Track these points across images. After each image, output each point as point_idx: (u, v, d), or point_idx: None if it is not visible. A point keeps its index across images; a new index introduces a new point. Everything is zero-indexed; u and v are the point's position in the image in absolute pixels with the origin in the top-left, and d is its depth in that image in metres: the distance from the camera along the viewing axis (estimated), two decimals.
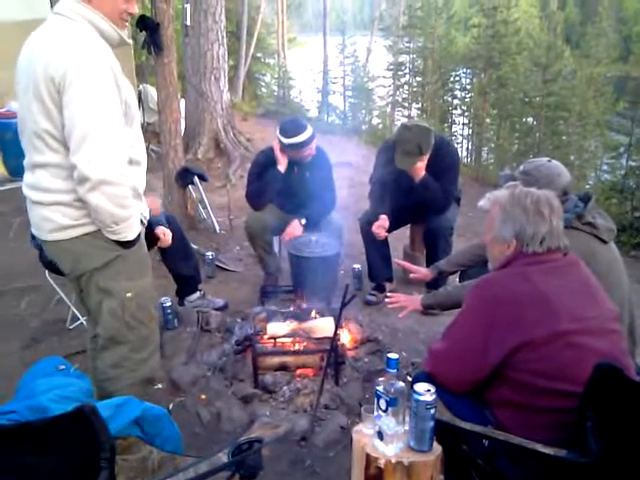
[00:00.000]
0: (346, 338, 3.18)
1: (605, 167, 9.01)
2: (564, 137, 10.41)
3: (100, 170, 1.88)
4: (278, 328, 3.06)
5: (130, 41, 2.14)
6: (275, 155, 3.76)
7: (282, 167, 3.73)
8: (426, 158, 3.60)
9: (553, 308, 1.68)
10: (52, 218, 2.03)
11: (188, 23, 7.25)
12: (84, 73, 1.85)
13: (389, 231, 3.82)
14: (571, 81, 10.45)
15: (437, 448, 1.64)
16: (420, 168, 3.60)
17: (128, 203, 1.99)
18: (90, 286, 2.14)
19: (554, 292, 1.71)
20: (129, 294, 2.13)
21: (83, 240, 2.04)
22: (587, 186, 9.38)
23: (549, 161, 2.47)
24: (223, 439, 2.53)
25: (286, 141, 3.65)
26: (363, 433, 1.70)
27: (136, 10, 2.07)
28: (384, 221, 3.70)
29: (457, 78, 12.37)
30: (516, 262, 1.82)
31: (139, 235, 2.11)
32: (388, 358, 1.64)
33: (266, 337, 3.01)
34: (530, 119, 10.70)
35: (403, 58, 13.16)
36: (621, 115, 9.28)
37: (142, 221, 2.20)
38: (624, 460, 1.47)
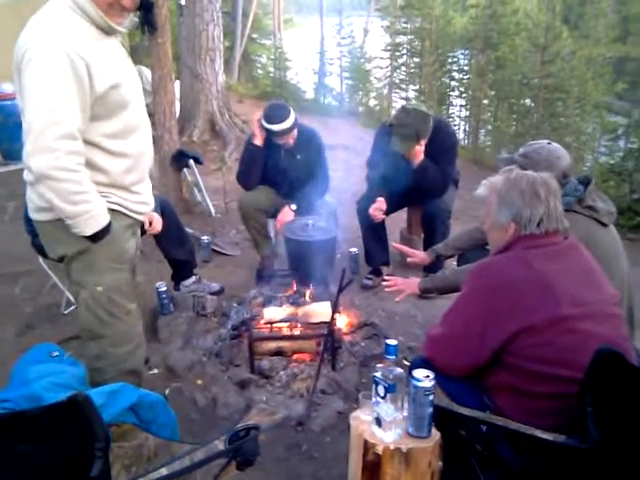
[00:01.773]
0: (343, 322, 3.16)
1: (603, 149, 8.96)
2: (562, 119, 10.33)
3: (40, 164, 1.84)
4: (275, 313, 3.04)
5: (123, 30, 2.05)
6: (252, 130, 3.78)
7: (258, 141, 3.73)
8: (424, 143, 3.56)
9: (553, 293, 1.66)
10: (32, 198, 2.05)
11: (183, 2, 7.13)
12: (38, 57, 1.81)
13: (386, 214, 3.80)
14: (569, 62, 10.34)
15: (435, 434, 1.63)
16: (418, 152, 3.56)
17: (80, 199, 1.91)
18: (70, 277, 2.15)
19: (554, 276, 1.69)
20: (99, 288, 2.09)
21: (56, 225, 2.02)
22: (585, 168, 9.34)
23: (549, 144, 2.43)
24: (219, 424, 2.53)
25: (267, 126, 3.65)
26: (361, 419, 1.69)
27: (130, 3, 1.96)
28: (381, 203, 3.67)
29: (455, 59, 12.24)
30: (515, 246, 1.80)
31: (107, 229, 2.02)
32: (387, 344, 1.63)
33: (262, 322, 2.99)
34: (528, 101, 10.61)
35: (400, 39, 12.98)
36: (620, 96, 9.22)
37: (125, 213, 2.12)
38: (624, 445, 1.46)
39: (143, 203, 2.22)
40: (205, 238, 4.40)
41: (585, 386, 1.46)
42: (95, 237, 2.00)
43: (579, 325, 1.63)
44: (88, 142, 1.94)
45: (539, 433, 1.55)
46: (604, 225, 2.31)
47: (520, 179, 1.82)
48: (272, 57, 14.30)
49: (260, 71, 15.21)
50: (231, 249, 4.59)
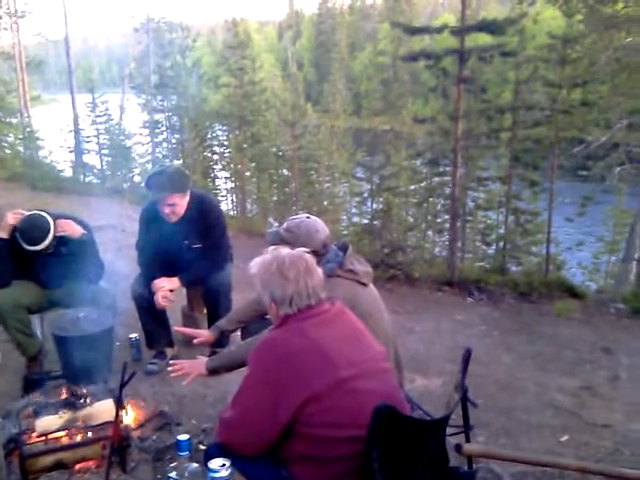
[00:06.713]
0: (129, 418, 2.97)
1: (354, 210, 10.07)
2: (317, 185, 11.37)
3: None
4: (49, 422, 2.72)
5: None
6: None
7: (3, 233, 3.43)
8: (179, 198, 3.56)
9: (330, 358, 1.78)
10: None
11: None
12: None
13: None
14: (316, 135, 11.53)
15: None
16: (178, 208, 3.57)
17: None
18: None
19: (329, 342, 1.82)
20: None
21: None
22: (341, 228, 10.32)
23: (308, 217, 2.68)
24: None
25: (25, 247, 3.37)
26: None
27: None
28: (162, 289, 3.56)
29: (214, 134, 12.75)
30: (291, 320, 1.89)
31: None
32: (178, 440, 1.58)
33: (35, 435, 2.66)
34: (285, 171, 11.49)
35: (158, 116, 13.15)
36: (361, 164, 10.51)
37: None
38: None
39: None
40: None
41: (369, 443, 1.58)
42: None
43: (356, 385, 1.77)
44: None
45: None
46: (365, 285, 2.60)
47: (270, 263, 1.92)
48: (20, 136, 13.31)
49: (8, 151, 13.97)
50: None
